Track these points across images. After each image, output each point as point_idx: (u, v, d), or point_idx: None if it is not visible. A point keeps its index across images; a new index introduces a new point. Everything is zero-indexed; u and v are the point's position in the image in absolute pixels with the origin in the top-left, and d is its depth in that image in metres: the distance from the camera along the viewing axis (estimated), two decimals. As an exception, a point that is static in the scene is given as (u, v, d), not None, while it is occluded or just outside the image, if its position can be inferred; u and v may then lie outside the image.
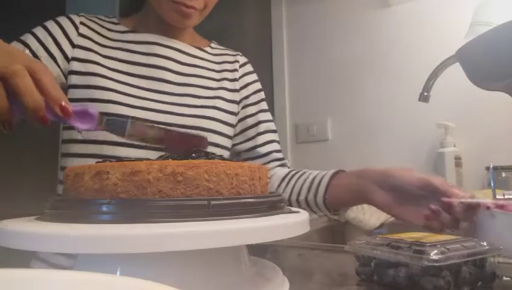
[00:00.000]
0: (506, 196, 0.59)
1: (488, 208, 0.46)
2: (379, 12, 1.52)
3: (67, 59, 0.72)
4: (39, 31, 0.71)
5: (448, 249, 0.40)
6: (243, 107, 0.86)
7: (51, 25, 0.73)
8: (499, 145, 1.22)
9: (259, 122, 0.86)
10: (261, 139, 0.85)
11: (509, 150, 1.18)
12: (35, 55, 0.69)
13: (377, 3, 1.52)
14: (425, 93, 0.83)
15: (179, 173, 0.34)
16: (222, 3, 0.77)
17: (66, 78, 0.72)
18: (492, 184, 0.63)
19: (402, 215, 0.63)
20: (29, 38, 0.70)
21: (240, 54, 0.91)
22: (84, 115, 0.44)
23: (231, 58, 0.88)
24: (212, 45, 0.89)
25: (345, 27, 1.59)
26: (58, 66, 0.71)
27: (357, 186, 0.68)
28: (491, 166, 0.69)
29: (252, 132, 0.85)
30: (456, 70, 0.68)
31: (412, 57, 1.41)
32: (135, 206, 0.33)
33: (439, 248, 0.40)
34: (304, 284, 0.47)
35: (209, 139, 0.68)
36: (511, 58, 0.52)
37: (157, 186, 0.33)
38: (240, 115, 0.86)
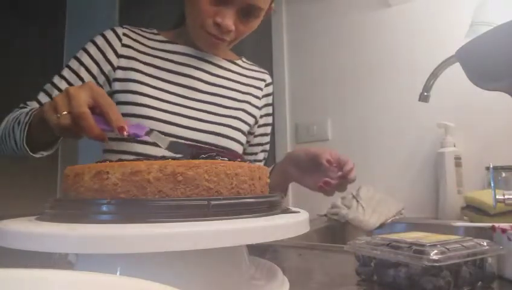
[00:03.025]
0: (506, 196, 0.58)
1: (503, 231, 0.45)
2: (379, 12, 1.51)
3: (114, 68, 0.81)
4: (91, 48, 0.81)
5: (448, 249, 0.40)
6: (254, 124, 0.95)
7: (99, 40, 0.82)
8: (499, 145, 1.22)
9: (259, 144, 0.99)
10: (260, 156, 1.00)
11: (509, 150, 1.18)
12: (88, 71, 0.80)
13: (377, 3, 1.52)
14: (425, 93, 0.83)
15: (179, 173, 0.34)
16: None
17: (110, 85, 0.81)
18: (492, 184, 0.63)
19: (303, 183, 0.80)
20: (83, 57, 0.81)
21: (267, 72, 1.00)
22: (136, 126, 0.54)
23: (259, 75, 0.97)
24: (243, 59, 0.97)
25: (345, 27, 1.59)
26: (107, 78, 0.81)
27: (281, 170, 0.84)
28: (491, 166, 0.69)
29: (255, 149, 0.98)
30: (456, 71, 0.68)
31: (412, 56, 1.41)
32: (135, 206, 0.33)
33: (439, 248, 0.40)
34: (304, 284, 0.47)
35: (229, 146, 0.85)
36: (511, 58, 0.52)
37: (157, 186, 0.33)
38: (250, 130, 0.95)
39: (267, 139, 1.00)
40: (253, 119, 0.93)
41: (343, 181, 0.74)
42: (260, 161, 1.00)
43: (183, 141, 0.66)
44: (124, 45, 0.83)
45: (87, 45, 0.82)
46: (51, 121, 0.52)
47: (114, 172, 0.34)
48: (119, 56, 0.82)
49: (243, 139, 0.89)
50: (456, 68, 0.68)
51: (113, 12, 2.20)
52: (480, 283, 0.43)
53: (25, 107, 0.76)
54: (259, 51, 1.77)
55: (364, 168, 1.48)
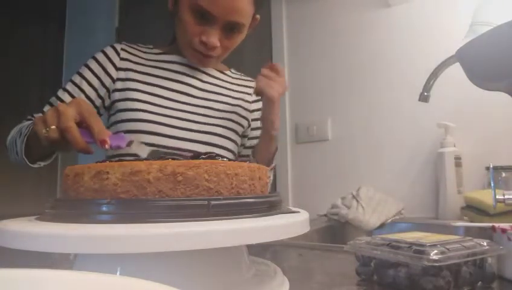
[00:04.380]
0: (506, 196, 0.58)
1: (503, 231, 0.45)
2: (379, 12, 1.52)
3: (113, 80, 0.88)
4: (92, 63, 0.88)
5: (448, 249, 0.40)
6: (247, 127, 1.00)
7: (100, 56, 0.89)
8: (499, 145, 1.22)
9: (249, 147, 1.02)
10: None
11: (509, 150, 1.18)
12: (89, 84, 0.86)
13: (377, 3, 1.52)
14: (425, 93, 0.83)
15: (179, 173, 0.34)
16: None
17: (111, 95, 0.88)
18: (492, 184, 0.63)
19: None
20: (85, 71, 0.88)
21: (254, 80, 1.06)
22: (119, 138, 0.56)
23: (247, 83, 1.04)
24: (232, 70, 1.05)
25: (345, 27, 1.59)
26: (107, 90, 0.88)
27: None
28: (491, 166, 0.69)
29: (250, 151, 1.01)
30: (456, 71, 0.68)
31: (412, 56, 1.41)
32: (135, 206, 0.33)
33: (439, 248, 0.40)
34: (304, 284, 0.47)
35: (220, 144, 0.90)
36: (511, 58, 0.52)
37: (157, 186, 0.33)
38: (244, 132, 1.00)
39: (254, 142, 1.03)
40: (246, 122, 0.99)
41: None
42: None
43: (163, 150, 0.72)
44: (122, 59, 0.90)
45: (89, 61, 0.89)
46: (40, 134, 0.56)
47: (114, 172, 0.34)
48: (118, 69, 0.88)
49: (238, 139, 0.95)
50: (456, 68, 0.68)
51: (112, 12, 2.20)
52: (480, 283, 0.43)
53: (31, 120, 0.81)
54: (260, 51, 1.77)
55: (364, 168, 1.48)
